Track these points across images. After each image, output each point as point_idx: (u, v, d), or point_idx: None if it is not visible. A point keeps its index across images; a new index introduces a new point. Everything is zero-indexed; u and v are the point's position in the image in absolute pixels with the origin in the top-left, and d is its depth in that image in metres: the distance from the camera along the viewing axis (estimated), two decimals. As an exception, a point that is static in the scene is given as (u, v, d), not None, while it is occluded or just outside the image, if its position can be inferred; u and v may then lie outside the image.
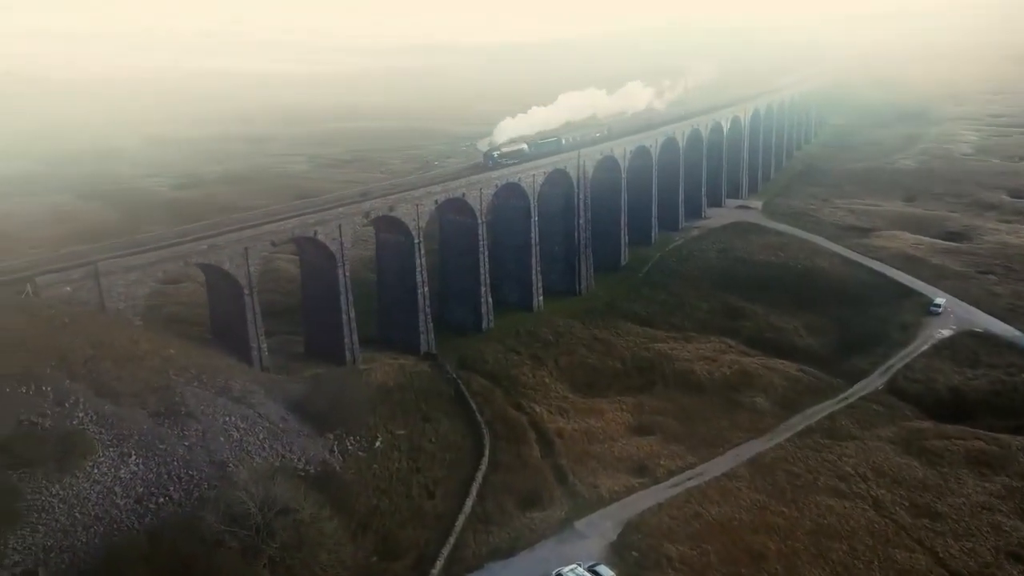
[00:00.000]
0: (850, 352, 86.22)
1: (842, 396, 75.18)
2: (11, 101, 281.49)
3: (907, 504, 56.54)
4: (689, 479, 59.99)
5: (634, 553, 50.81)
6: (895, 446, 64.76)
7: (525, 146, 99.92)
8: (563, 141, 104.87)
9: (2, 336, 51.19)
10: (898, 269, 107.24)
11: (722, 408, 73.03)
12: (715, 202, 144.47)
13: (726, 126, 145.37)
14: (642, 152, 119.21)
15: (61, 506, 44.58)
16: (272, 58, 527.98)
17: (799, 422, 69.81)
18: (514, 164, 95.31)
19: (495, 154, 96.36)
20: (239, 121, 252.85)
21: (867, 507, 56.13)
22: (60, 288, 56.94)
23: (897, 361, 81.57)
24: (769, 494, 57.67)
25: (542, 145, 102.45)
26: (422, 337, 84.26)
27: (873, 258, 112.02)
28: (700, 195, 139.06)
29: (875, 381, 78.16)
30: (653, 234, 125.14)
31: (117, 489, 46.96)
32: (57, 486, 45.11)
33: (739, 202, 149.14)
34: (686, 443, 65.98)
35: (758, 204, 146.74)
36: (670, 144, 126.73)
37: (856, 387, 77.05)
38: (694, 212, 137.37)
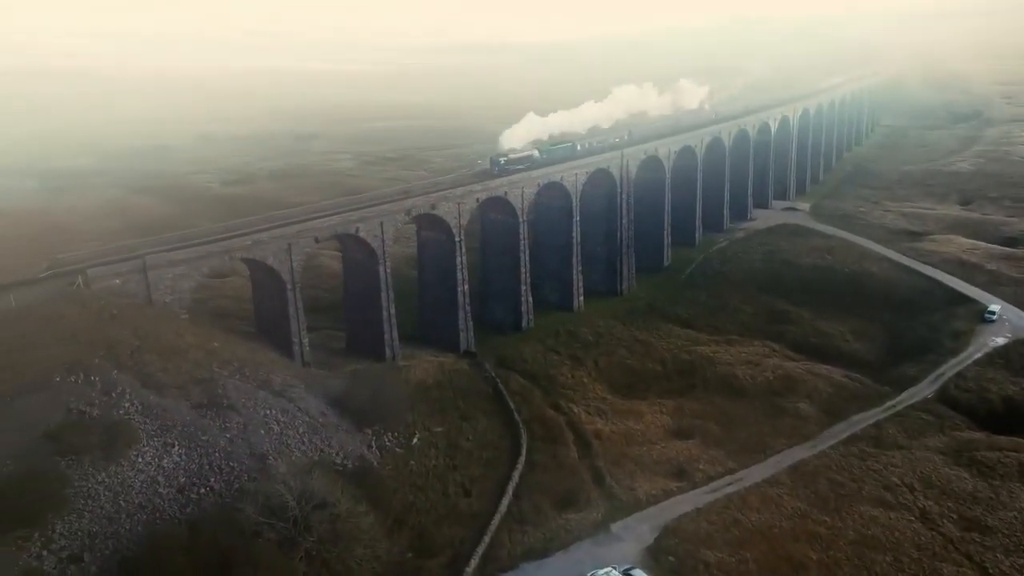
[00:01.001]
0: (899, 359, 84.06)
1: (889, 404, 73.14)
2: (74, 100, 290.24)
3: (955, 517, 54.74)
4: (728, 485, 58.98)
5: (670, 558, 50.13)
6: (944, 457, 62.75)
7: (536, 152, 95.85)
8: (578, 147, 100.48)
9: (55, 326, 52.77)
10: (951, 275, 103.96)
11: (764, 413, 71.72)
12: (761, 203, 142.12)
13: (774, 126, 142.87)
14: (687, 152, 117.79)
15: (107, 493, 45.61)
16: (320, 57, 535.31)
17: (844, 429, 68.16)
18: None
19: (502, 160, 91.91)
20: (286, 119, 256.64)
21: (913, 519, 54.51)
22: (109, 280, 58.46)
23: (948, 369, 79.04)
24: (811, 502, 56.40)
25: (554, 151, 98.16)
26: (462, 335, 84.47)
27: (925, 263, 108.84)
28: (746, 196, 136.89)
29: (924, 389, 75.88)
30: (697, 235, 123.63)
31: (160, 479, 47.90)
32: (103, 474, 46.17)
33: (786, 204, 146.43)
34: (726, 448, 64.96)
35: (806, 206, 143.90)
36: (716, 144, 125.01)
37: (904, 395, 74.90)
38: (739, 213, 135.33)
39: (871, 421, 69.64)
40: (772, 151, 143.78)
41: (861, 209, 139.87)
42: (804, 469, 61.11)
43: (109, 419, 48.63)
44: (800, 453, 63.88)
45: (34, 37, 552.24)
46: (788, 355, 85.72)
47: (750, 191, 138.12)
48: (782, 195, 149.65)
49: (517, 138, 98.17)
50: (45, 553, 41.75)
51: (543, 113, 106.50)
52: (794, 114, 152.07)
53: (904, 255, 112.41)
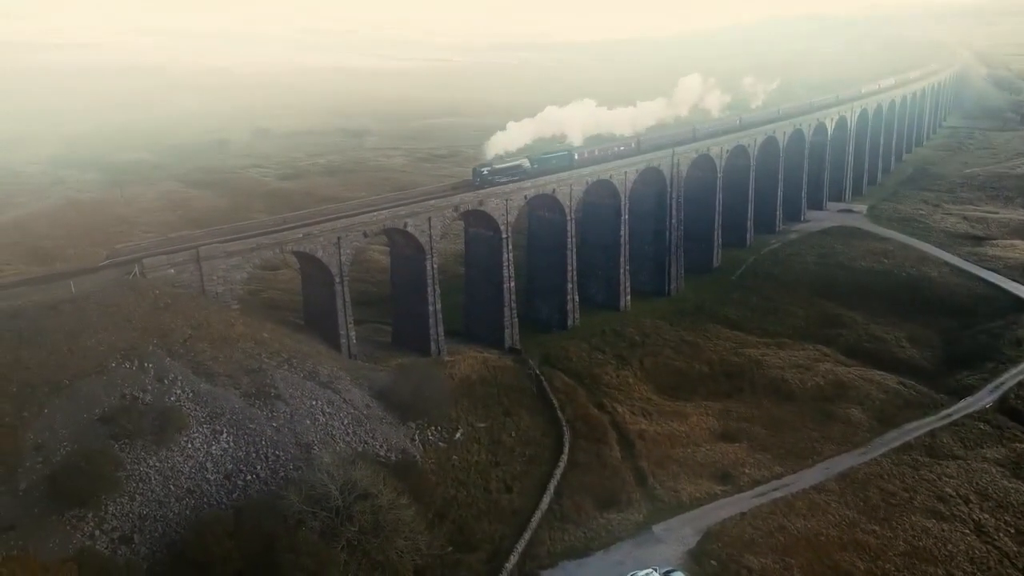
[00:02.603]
0: (956, 367, 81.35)
1: (945, 412, 70.86)
2: (136, 96, 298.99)
3: (1012, 531, 52.81)
4: (775, 490, 57.84)
5: (713, 562, 49.40)
6: (1002, 469, 60.55)
7: (526, 161, 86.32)
8: (575, 156, 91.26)
9: (111, 313, 54.37)
10: (1015, 281, 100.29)
11: (813, 418, 70.22)
12: (816, 205, 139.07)
13: (831, 126, 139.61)
14: (740, 152, 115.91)
15: (157, 477, 46.89)
16: (376, 54, 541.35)
17: (896, 437, 66.26)
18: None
19: (484, 170, 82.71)
20: (340, 115, 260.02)
21: (968, 531, 52.75)
22: (164, 270, 59.97)
23: (1009, 379, 76.18)
24: (860, 511, 54.98)
25: (547, 160, 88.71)
26: (506, 332, 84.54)
27: (987, 268, 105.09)
28: (800, 197, 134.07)
29: (983, 399, 73.27)
30: (748, 236, 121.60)
31: (208, 465, 49.03)
32: (154, 458, 47.47)
33: (842, 205, 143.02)
34: (773, 452, 63.77)
35: (862, 208, 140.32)
36: (770, 144, 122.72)
37: (961, 404, 72.45)
38: (793, 215, 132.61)
39: (926, 430, 67.55)
40: (828, 151, 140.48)
41: (921, 212, 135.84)
42: (854, 476, 59.59)
43: (161, 405, 49.96)
44: (850, 460, 62.31)
45: (97, 34, 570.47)
46: (840, 360, 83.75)
47: (804, 192, 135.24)
48: (838, 197, 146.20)
49: (528, 132, 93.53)
50: (98, 533, 43.15)
51: (609, 105, 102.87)
52: (852, 114, 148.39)
53: (965, 260, 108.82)
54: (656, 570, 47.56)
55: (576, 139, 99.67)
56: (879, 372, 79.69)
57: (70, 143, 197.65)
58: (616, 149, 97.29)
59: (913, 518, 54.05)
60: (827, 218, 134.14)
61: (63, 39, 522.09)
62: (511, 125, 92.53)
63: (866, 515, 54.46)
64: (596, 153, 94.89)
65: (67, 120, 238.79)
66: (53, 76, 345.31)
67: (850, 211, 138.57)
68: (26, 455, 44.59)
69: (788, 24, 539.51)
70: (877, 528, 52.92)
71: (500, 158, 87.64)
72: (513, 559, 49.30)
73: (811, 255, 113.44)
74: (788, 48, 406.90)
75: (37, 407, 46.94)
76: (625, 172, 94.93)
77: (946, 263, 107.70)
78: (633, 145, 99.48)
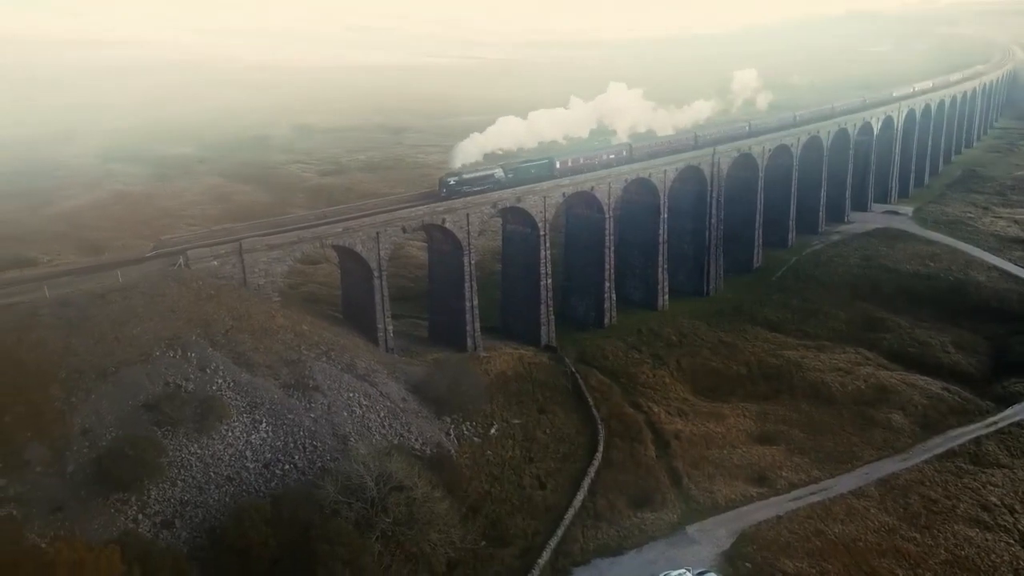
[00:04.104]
0: (1004, 373, 79.20)
1: (991, 420, 69.12)
2: (182, 91, 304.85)
3: (1060, 543, 51.43)
4: (812, 494, 57.06)
5: (747, 565, 48.90)
6: (1051, 479, 58.99)
7: (499, 170, 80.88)
8: (557, 164, 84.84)
9: (156, 303, 55.59)
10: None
11: (854, 423, 68.95)
12: (860, 206, 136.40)
13: (876, 126, 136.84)
14: (782, 151, 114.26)
15: (198, 464, 47.92)
16: (420, 52, 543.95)
17: (940, 444, 64.86)
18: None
19: (451, 180, 77.61)
20: (381, 112, 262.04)
21: (1012, 541, 51.47)
22: (208, 262, 61.13)
23: (1059, 387, 74.25)
24: (900, 517, 53.97)
25: (524, 169, 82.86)
26: (543, 329, 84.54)
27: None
28: (843, 198, 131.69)
29: (1032, 406, 71.52)
30: (790, 237, 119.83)
31: (248, 453, 49.95)
32: (195, 445, 48.52)
33: (887, 207, 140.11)
34: (811, 456, 62.84)
35: (908, 210, 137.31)
36: (813, 143, 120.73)
37: (1008, 411, 70.64)
38: (836, 216, 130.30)
39: (970, 437, 65.99)
40: (874, 152, 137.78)
41: (969, 215, 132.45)
42: (894, 483, 58.48)
43: (203, 394, 50.99)
44: (891, 466, 61.17)
45: (146, 32, 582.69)
46: (882, 364, 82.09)
47: (848, 193, 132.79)
48: (883, 198, 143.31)
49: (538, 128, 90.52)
50: (141, 517, 44.23)
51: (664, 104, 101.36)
52: (899, 114, 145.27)
53: (1015, 264, 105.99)
54: (689, 571, 47.31)
55: (622, 133, 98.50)
56: (923, 377, 77.96)
57: (118, 137, 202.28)
58: (605, 157, 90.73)
59: (955, 527, 52.91)
60: (871, 220, 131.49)
61: (114, 36, 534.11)
62: (532, 115, 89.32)
63: (906, 522, 53.45)
64: (581, 162, 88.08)
65: (115, 115, 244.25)
66: (102, 72, 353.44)
67: (895, 213, 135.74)
68: (73, 439, 45.87)
69: (835, 22, 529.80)
70: (917, 536, 51.89)
71: (468, 167, 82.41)
72: (546, 555, 49.42)
73: (854, 257, 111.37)
74: (834, 46, 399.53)
75: (84, 392, 48.24)
76: (665, 170, 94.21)
77: (994, 267, 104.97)
78: (624, 153, 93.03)
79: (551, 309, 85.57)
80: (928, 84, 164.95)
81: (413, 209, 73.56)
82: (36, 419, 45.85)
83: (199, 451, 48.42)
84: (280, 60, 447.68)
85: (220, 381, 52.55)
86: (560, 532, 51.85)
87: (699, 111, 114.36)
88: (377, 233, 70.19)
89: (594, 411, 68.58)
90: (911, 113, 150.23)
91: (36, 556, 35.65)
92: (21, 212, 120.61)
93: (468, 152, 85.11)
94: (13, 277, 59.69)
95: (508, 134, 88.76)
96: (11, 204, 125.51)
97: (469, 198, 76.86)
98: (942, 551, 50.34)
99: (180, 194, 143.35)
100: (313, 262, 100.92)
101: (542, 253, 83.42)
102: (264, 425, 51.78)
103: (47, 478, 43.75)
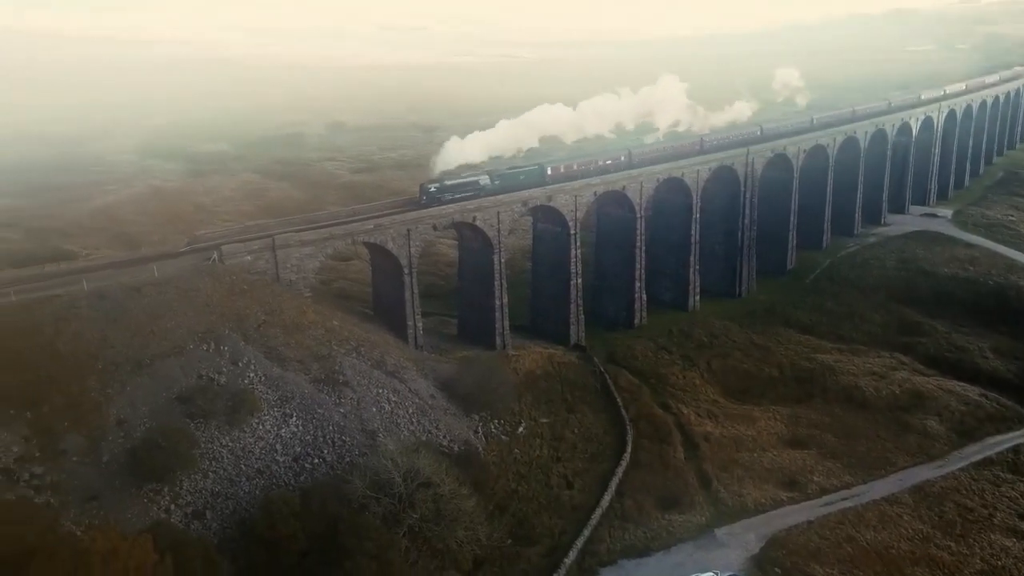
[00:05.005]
0: (1045, 380, 77.38)
1: (1031, 428, 67.67)
2: (217, 88, 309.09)
3: (1102, 555, 50.04)
4: (844, 499, 56.19)
5: (777, 570, 48.28)
6: (1093, 489, 57.44)
7: (485, 176, 78.36)
8: (548, 171, 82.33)
9: (190, 297, 56.39)
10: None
11: (888, 428, 67.75)
12: (897, 208, 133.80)
13: (915, 127, 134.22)
14: (818, 151, 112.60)
15: (229, 456, 48.52)
16: (452, 51, 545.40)
17: (976, 451, 63.50)
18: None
19: (432, 187, 74.96)
20: (413, 111, 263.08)
21: (1052, 553, 50.23)
22: (241, 257, 61.88)
23: (1103, 395, 72.31)
24: (935, 525, 52.93)
25: (513, 175, 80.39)
26: (572, 328, 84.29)
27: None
28: (881, 199, 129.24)
29: (1074, 415, 69.71)
30: (824, 238, 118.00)
31: (278, 447, 50.48)
32: (227, 438, 49.13)
33: (925, 209, 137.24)
34: (843, 461, 61.86)
35: (947, 212, 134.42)
36: (850, 144, 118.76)
37: (1050, 419, 69.11)
38: (872, 217, 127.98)
39: (1009, 445, 64.58)
40: (912, 153, 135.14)
41: (1011, 218, 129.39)
42: (929, 490, 57.41)
43: (235, 387, 51.61)
44: (925, 473, 60.03)
45: (184, 31, 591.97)
46: (918, 369, 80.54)
47: (885, 195, 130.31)
48: (921, 200, 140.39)
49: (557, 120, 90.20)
50: (173, 507, 44.88)
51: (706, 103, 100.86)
52: (939, 114, 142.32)
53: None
54: (718, 574, 46.84)
55: (663, 130, 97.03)
56: (960, 383, 76.38)
57: (155, 134, 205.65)
58: (600, 163, 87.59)
59: (992, 536, 51.79)
60: (909, 222, 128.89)
61: (152, 35, 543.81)
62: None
63: (941, 530, 52.42)
64: (575, 168, 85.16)
65: (152, 112, 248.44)
66: (140, 70, 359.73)
67: (934, 215, 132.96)
68: (109, 429, 46.68)
69: (874, 21, 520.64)
70: (952, 544, 50.85)
71: (450, 174, 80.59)
72: (572, 555, 49.24)
73: (891, 260, 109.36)
74: (874, 46, 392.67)
75: (120, 384, 49.06)
76: (697, 170, 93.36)
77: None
78: (623, 158, 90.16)
79: (581, 308, 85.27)
80: (961, 86, 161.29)
81: (444, 207, 73.71)
82: (73, 409, 46.76)
83: (230, 444, 49.01)
84: (314, 59, 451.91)
85: (252, 375, 53.15)
86: (587, 532, 51.63)
87: (739, 111, 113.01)
88: (408, 230, 70.48)
89: (623, 411, 68.18)
90: (951, 113, 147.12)
91: (72, 544, 36.30)
92: (61, 207, 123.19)
93: (487, 142, 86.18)
94: (53, 270, 60.91)
95: (548, 123, 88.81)
96: (51, 199, 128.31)
97: (500, 196, 76.82)
98: (977, 560, 49.29)
99: (215, 190, 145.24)
100: (344, 258, 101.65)
101: (572, 252, 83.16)
102: (294, 419, 52.27)
103: (83, 467, 44.59)
